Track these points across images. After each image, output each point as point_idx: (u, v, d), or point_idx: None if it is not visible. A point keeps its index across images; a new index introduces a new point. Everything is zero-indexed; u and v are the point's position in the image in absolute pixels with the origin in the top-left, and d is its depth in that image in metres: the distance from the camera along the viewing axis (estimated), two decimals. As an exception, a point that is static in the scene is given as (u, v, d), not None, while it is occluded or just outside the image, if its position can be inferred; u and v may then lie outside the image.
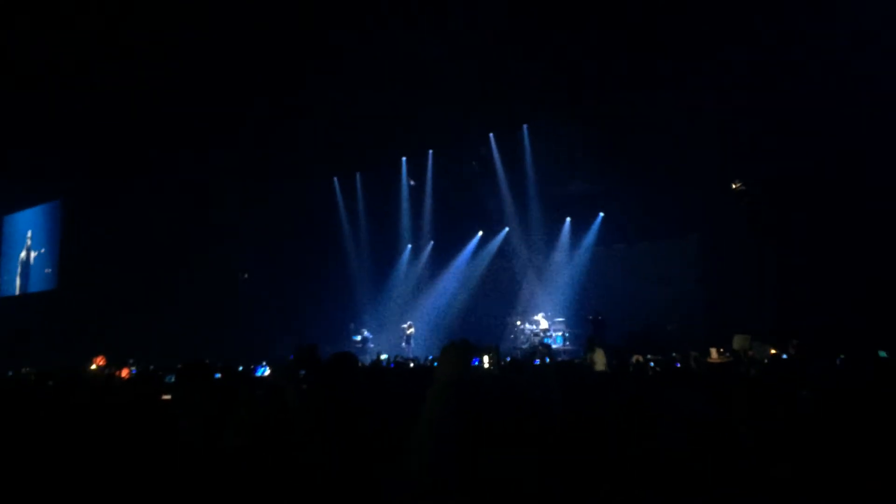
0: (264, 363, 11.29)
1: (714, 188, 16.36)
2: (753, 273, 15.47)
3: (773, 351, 10.57)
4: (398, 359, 13.66)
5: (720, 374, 6.93)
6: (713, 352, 12.10)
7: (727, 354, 10.81)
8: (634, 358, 9.79)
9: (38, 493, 2.22)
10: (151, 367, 13.55)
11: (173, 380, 4.87)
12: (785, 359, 9.70)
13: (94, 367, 12.67)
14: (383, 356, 14.67)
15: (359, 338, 20.52)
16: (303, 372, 4.79)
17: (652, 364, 9.53)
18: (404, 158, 21.40)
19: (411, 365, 11.01)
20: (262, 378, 8.38)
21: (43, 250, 23.28)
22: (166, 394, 4.42)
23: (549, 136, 18.47)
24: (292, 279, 21.36)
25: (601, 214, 19.47)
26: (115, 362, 15.57)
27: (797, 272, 14.34)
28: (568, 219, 20.19)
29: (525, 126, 19.05)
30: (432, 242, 22.35)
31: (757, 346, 11.01)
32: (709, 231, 17.40)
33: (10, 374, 12.45)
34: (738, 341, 11.80)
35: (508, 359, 10.32)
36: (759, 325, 13.46)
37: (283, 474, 2.27)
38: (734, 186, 15.81)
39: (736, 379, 5.22)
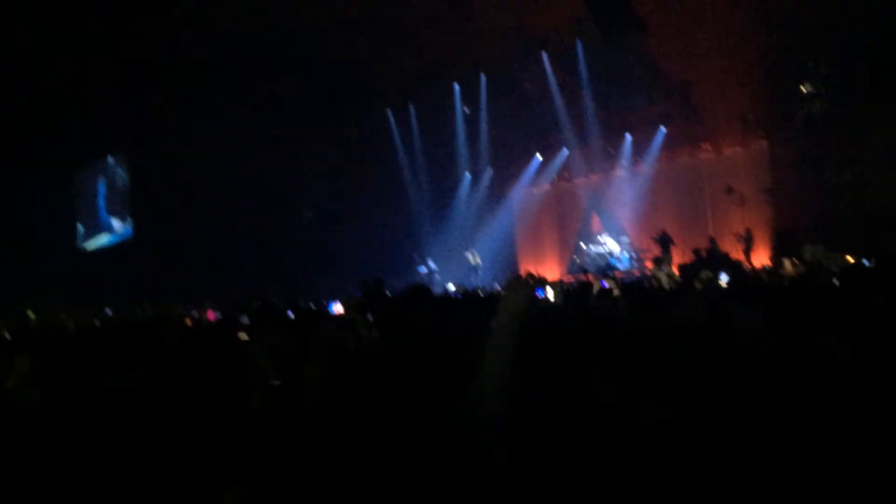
0: (335, 300, 11.55)
1: (782, 93, 15.63)
2: (823, 181, 14.85)
3: (850, 259, 10.22)
4: (463, 289, 13.78)
5: (797, 286, 6.75)
6: (787, 263, 11.79)
7: (800, 266, 10.52)
8: (703, 274, 9.61)
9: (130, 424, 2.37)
10: (231, 308, 14.09)
11: (247, 320, 5.06)
12: (867, 266, 9.36)
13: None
14: (451, 287, 14.83)
15: (424, 269, 20.72)
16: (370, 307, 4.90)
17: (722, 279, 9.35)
18: (456, 85, 21.03)
19: (480, 294, 11.10)
20: (336, 314, 8.59)
21: (114, 200, 24.11)
22: (242, 333, 4.61)
23: (604, 49, 17.73)
24: (354, 215, 21.61)
25: (663, 129, 18.87)
26: (195, 305, 16.20)
27: (865, 181, 13.73)
28: (628, 135, 19.65)
29: (578, 41, 18.32)
30: (491, 169, 22.16)
31: (832, 255, 10.66)
32: (777, 138, 16.73)
33: (110, 314, 13.20)
34: (808, 251, 11.46)
35: (574, 283, 10.30)
36: (831, 234, 13.00)
37: (357, 406, 2.35)
38: (803, 90, 15.04)
39: (814, 290, 5.09)
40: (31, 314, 15.65)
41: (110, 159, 24.35)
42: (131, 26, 16.55)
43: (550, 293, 5.04)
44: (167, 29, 16.72)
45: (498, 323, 2.14)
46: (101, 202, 24.87)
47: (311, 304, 10.86)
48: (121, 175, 24.10)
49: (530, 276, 2.23)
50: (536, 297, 2.26)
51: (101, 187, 24.90)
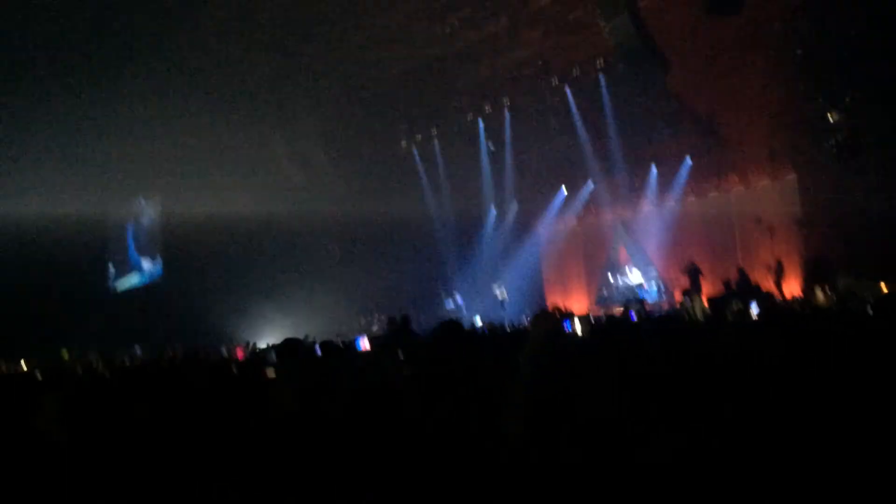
0: (362, 336, 11.57)
1: (810, 124, 15.49)
2: (855, 210, 14.58)
3: (884, 288, 10.00)
4: (490, 324, 13.74)
5: (832, 316, 6.63)
6: (819, 293, 11.57)
7: (834, 296, 10.31)
8: (734, 305, 9.46)
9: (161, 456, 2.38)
10: (260, 346, 14.21)
11: (274, 357, 5.07)
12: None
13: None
14: (478, 321, 14.79)
15: (451, 304, 20.66)
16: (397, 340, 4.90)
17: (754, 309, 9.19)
18: (481, 121, 21.17)
19: (507, 329, 11.04)
20: (363, 350, 8.59)
21: (143, 240, 24.53)
22: (270, 371, 4.63)
23: (626, 81, 17.74)
24: (380, 250, 21.69)
25: (689, 160, 18.75)
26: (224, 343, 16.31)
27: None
28: (654, 167, 19.56)
29: (601, 75, 18.39)
30: (516, 203, 22.16)
31: (865, 285, 10.44)
32: (806, 169, 16.52)
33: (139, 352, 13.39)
34: (843, 282, 11.24)
35: (603, 317, 10.21)
36: (863, 263, 12.74)
37: (386, 439, 2.33)
38: (830, 119, 14.89)
39: (846, 321, 4.99)
40: (64, 354, 15.87)
41: (141, 200, 24.83)
42: (159, 70, 16.97)
43: (578, 326, 5.00)
44: (194, 68, 17.09)
45: (525, 358, 2.12)
46: (131, 242, 25.28)
47: (339, 341, 10.86)
48: (150, 215, 24.56)
49: (557, 309, 2.22)
50: (563, 330, 2.24)
51: (131, 228, 25.36)
